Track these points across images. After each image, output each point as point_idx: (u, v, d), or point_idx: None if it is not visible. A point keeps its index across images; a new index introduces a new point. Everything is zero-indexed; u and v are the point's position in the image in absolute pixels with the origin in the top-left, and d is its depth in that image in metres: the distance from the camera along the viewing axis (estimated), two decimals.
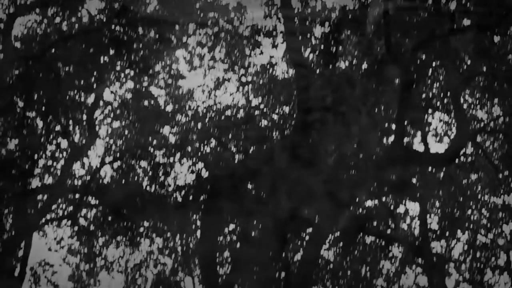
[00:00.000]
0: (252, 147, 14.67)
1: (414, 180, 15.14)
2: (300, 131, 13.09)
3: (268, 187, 13.26)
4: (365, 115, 13.39)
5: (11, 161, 14.69)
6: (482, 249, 15.23)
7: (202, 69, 15.22)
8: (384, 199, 15.07)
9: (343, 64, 14.81)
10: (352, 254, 14.87)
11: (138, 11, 14.88)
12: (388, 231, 15.18)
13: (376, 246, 15.05)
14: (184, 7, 15.22)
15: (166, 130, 14.89)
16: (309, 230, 14.69)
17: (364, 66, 14.47)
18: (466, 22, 13.74)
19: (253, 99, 15.02)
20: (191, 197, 14.78)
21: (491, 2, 12.56)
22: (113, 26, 14.84)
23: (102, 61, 15.00)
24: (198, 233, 14.83)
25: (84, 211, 15.19)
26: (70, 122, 15.13)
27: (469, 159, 15.31)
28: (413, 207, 15.27)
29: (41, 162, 14.95)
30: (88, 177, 15.05)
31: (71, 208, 15.14)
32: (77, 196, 15.15)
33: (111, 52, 14.94)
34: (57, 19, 15.24)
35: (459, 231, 15.24)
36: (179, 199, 14.83)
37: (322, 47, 14.46)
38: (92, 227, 15.18)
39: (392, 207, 15.19)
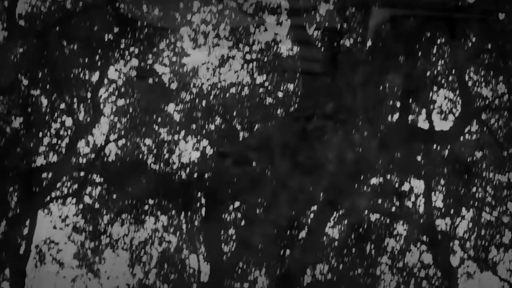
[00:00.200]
0: (256, 125, 14.73)
1: (419, 158, 15.17)
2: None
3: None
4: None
5: (15, 139, 14.77)
6: (487, 226, 15.19)
7: (206, 46, 15.19)
8: (388, 176, 15.08)
9: (347, 42, 14.83)
10: (356, 233, 14.87)
11: None
12: (393, 209, 15.17)
13: (380, 224, 15.05)
14: None
15: (170, 107, 14.95)
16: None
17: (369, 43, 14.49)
18: None
19: (258, 77, 15.02)
20: (195, 175, 14.87)
21: None
22: (117, 4, 14.86)
23: (106, 39, 15.01)
24: (203, 211, 14.92)
25: (89, 189, 15.27)
26: (75, 100, 15.16)
27: (474, 136, 15.30)
28: (418, 185, 15.23)
29: (46, 140, 15.01)
30: (93, 155, 15.12)
31: (76, 186, 15.23)
32: (82, 174, 15.24)
33: (116, 30, 14.99)
34: None
35: (463, 208, 15.22)
36: (184, 176, 14.91)
37: (326, 24, 14.48)
38: (97, 205, 15.25)
39: (397, 185, 15.17)
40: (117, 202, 14.99)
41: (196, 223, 14.84)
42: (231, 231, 14.71)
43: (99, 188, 15.19)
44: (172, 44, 15.32)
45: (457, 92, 15.02)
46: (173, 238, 14.96)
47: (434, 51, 14.82)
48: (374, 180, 14.98)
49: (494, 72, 14.87)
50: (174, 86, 15.14)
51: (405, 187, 15.18)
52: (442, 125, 15.29)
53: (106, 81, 15.30)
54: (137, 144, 14.99)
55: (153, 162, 14.90)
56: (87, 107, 15.14)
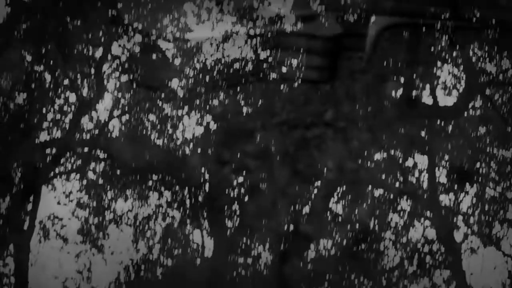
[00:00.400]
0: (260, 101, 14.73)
1: (423, 133, 15.17)
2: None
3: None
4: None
5: (19, 115, 14.78)
6: (491, 202, 15.22)
7: (210, 22, 15.16)
8: (392, 152, 15.09)
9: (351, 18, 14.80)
10: (360, 208, 14.88)
11: None
12: (397, 185, 15.19)
13: (384, 200, 15.07)
14: None
15: (174, 83, 14.92)
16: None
17: (373, 19, 14.46)
18: None
19: (261, 52, 14.97)
20: (199, 150, 14.88)
21: None
22: None
23: (110, 15, 14.98)
24: (207, 186, 14.94)
25: (92, 164, 15.31)
26: (78, 76, 15.18)
27: (478, 112, 15.31)
28: (422, 160, 15.23)
29: (50, 116, 15.03)
30: (97, 131, 15.14)
31: (79, 162, 15.26)
32: (85, 149, 15.26)
33: (119, 5, 14.96)
34: None
35: (467, 184, 15.22)
36: (187, 152, 14.92)
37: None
38: (100, 181, 15.29)
39: (400, 161, 15.18)
40: (120, 178, 15.04)
41: (200, 198, 14.87)
42: (235, 206, 14.75)
43: (102, 164, 15.23)
44: (176, 20, 15.31)
45: (461, 67, 15.03)
46: (176, 214, 14.98)
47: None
48: (378, 156, 15.06)
49: (498, 47, 14.87)
50: (177, 61, 15.13)
51: (409, 162, 15.25)
52: (446, 100, 15.32)
53: (109, 57, 15.31)
54: (141, 120, 15.00)
55: (157, 138, 14.93)
56: (90, 83, 15.15)
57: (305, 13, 14.64)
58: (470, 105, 15.17)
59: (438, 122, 15.13)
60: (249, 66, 14.89)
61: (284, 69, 14.64)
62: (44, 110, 14.93)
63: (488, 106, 15.21)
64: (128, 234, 15.13)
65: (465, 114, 15.20)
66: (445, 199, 15.18)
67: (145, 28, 15.09)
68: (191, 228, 14.95)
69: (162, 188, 15.00)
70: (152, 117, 15.05)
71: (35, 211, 14.81)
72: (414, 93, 14.84)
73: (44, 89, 14.99)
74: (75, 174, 15.19)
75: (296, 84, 14.57)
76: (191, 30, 15.36)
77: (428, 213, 15.11)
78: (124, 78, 15.21)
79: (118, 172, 15.05)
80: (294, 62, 14.85)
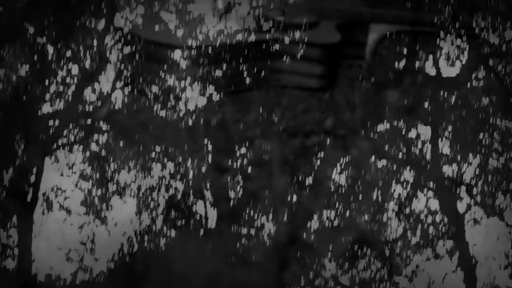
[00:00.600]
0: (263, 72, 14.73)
1: (425, 104, 15.16)
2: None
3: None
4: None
5: (22, 87, 14.78)
6: (494, 173, 15.21)
7: None
8: (395, 123, 15.08)
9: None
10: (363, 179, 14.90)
11: None
12: (400, 155, 15.19)
13: (387, 171, 15.07)
14: None
15: (177, 54, 14.88)
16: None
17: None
18: None
19: (264, 23, 14.96)
20: (202, 121, 14.89)
21: None
22: None
23: None
24: (209, 157, 14.95)
25: (95, 136, 15.32)
26: (81, 47, 15.16)
27: (481, 83, 15.28)
28: (425, 131, 15.21)
29: (52, 88, 15.03)
30: (99, 103, 15.16)
31: (82, 133, 15.27)
32: (88, 121, 15.27)
33: None
34: None
35: (470, 155, 15.21)
36: (190, 123, 14.91)
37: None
38: (103, 153, 15.30)
39: (403, 131, 15.18)
40: (123, 150, 15.05)
41: (203, 169, 14.88)
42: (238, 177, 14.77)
43: (105, 135, 15.24)
44: None
45: (464, 38, 14.99)
46: (179, 185, 14.99)
47: None
48: (381, 127, 15.06)
49: (501, 18, 14.85)
50: (180, 33, 15.12)
51: (412, 133, 15.24)
52: (449, 71, 15.30)
53: (112, 28, 15.28)
54: (144, 91, 14.99)
55: (160, 109, 14.92)
56: (93, 55, 15.13)
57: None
58: (473, 75, 15.16)
59: (441, 93, 15.13)
60: (252, 37, 14.89)
61: (287, 40, 14.66)
62: (46, 82, 14.94)
63: (492, 77, 15.20)
64: (131, 205, 15.16)
65: (468, 85, 15.20)
66: (448, 170, 15.20)
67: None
68: (194, 199, 14.98)
69: (165, 160, 15.03)
70: (154, 88, 15.04)
71: (38, 182, 14.82)
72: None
73: (47, 61, 15.00)
74: (78, 145, 15.20)
75: (298, 56, 14.60)
76: (193, 2, 15.39)
77: (431, 184, 15.13)
78: (127, 49, 15.22)
79: (121, 143, 15.08)
80: (297, 34, 14.86)
